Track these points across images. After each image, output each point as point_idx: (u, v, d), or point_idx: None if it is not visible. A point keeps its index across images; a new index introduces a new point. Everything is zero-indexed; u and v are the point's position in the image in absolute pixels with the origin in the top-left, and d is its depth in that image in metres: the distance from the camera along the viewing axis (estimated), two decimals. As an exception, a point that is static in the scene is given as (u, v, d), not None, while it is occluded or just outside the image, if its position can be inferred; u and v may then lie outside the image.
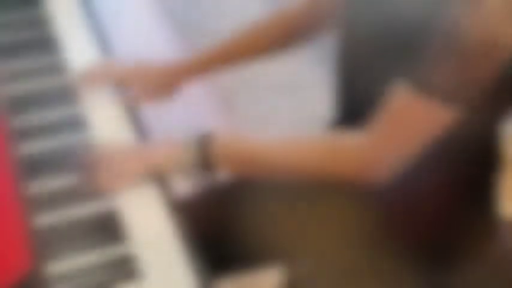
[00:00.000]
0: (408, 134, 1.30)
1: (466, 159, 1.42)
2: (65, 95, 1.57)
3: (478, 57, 1.22)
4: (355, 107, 1.49)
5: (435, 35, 1.25)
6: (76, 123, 1.50)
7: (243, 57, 1.68)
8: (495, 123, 1.41)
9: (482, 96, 1.27)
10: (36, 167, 1.39)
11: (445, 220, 1.47)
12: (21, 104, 1.53)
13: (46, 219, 1.30)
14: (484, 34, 1.20)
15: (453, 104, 1.26)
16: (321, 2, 1.64)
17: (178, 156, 1.37)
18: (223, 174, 1.45)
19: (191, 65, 1.66)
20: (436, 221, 1.47)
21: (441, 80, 1.25)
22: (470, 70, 1.23)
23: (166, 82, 1.63)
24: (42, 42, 1.71)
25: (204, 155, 1.36)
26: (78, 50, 1.66)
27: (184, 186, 1.44)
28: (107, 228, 1.29)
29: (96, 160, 1.37)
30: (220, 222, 1.60)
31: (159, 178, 1.39)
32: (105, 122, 1.52)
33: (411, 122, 1.30)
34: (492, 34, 1.20)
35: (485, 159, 1.47)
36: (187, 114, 3.16)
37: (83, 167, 1.39)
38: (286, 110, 3.15)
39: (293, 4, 1.68)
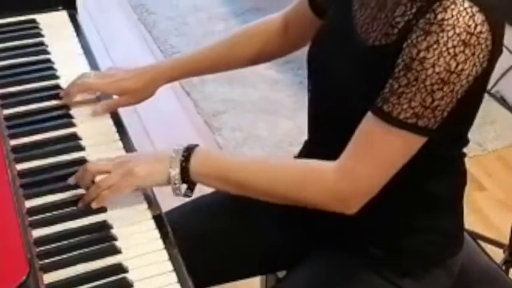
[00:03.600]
0: (377, 161, 1.30)
1: (433, 175, 1.43)
2: (60, 115, 1.57)
3: (439, 85, 1.23)
4: (322, 128, 1.50)
5: (398, 68, 1.26)
6: (70, 142, 1.50)
7: (214, 65, 1.68)
8: (458, 142, 1.42)
9: (443, 120, 1.28)
10: (33, 182, 1.39)
11: (413, 230, 1.47)
12: (19, 124, 1.53)
13: (42, 231, 1.30)
14: (443, 65, 1.22)
15: (417, 130, 1.27)
16: (290, 26, 1.66)
17: (159, 169, 1.35)
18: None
19: (166, 68, 1.64)
20: (405, 230, 1.47)
21: (405, 109, 1.25)
22: (433, 98, 1.24)
23: (140, 86, 1.60)
24: (39, 66, 1.71)
25: (183, 168, 1.34)
26: (72, 74, 1.66)
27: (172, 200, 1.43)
28: (99, 241, 1.29)
29: (82, 176, 1.36)
30: (205, 234, 1.59)
31: (147, 193, 1.39)
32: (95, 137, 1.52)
33: (379, 150, 1.29)
34: (449, 64, 1.22)
35: (457, 176, 1.47)
36: (171, 136, 3.15)
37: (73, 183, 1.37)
38: (265, 131, 3.15)
39: (264, 24, 1.69)
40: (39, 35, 1.81)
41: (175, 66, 1.65)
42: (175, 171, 1.34)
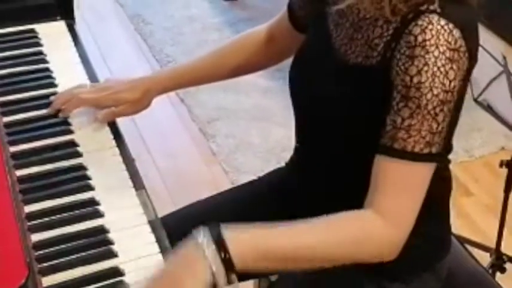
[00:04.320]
0: (412, 198, 1.27)
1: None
2: (58, 122, 1.57)
3: (440, 107, 1.23)
4: (310, 136, 1.51)
5: (395, 101, 1.25)
6: (68, 148, 1.50)
7: (207, 76, 1.69)
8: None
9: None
10: (31, 188, 1.39)
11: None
12: (18, 131, 1.53)
13: (41, 235, 1.30)
14: (439, 86, 1.22)
15: (433, 158, 1.26)
16: (275, 37, 1.67)
17: (203, 275, 1.16)
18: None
19: (160, 79, 1.64)
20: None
21: (417, 140, 1.24)
22: (438, 121, 1.23)
23: (137, 97, 1.59)
24: (38, 75, 1.71)
25: (224, 260, 1.18)
26: (70, 82, 1.66)
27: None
28: (96, 245, 1.29)
29: None
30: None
31: (143, 198, 1.39)
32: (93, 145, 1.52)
33: (409, 187, 1.27)
34: (444, 84, 1.22)
35: (442, 181, 1.48)
36: (166, 143, 3.16)
37: None
38: (258, 138, 3.16)
39: (252, 35, 1.69)
40: (38, 44, 1.82)
41: (168, 77, 1.65)
42: (216, 267, 1.17)
